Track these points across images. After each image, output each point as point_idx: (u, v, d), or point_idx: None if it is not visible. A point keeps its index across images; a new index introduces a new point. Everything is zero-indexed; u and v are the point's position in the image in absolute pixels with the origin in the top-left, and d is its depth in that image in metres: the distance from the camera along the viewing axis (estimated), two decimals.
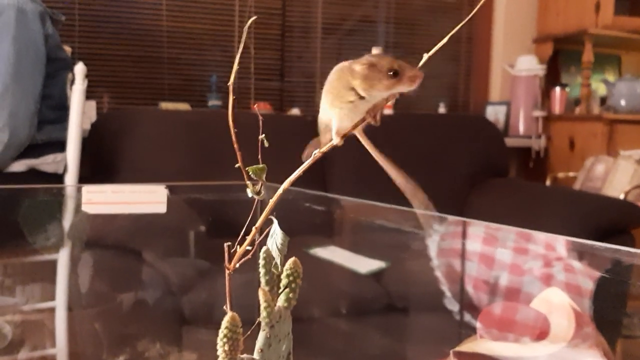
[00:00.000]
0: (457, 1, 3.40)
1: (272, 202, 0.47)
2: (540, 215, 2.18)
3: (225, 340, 0.45)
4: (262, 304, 0.49)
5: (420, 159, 2.55)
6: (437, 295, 1.59)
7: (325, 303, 1.63)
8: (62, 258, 1.57)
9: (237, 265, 0.50)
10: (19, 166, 1.85)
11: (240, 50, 0.43)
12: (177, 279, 1.64)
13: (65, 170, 1.92)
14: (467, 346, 1.02)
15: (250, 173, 0.48)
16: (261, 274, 0.51)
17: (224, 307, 0.50)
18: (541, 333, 1.13)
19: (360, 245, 1.86)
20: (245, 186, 0.50)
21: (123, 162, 2.20)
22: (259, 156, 0.49)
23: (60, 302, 1.49)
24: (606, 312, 1.27)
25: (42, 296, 1.52)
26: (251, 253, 0.49)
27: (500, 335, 1.18)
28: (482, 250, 1.59)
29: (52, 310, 1.47)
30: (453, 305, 1.60)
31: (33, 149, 1.87)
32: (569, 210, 2.15)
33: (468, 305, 1.57)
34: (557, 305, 1.19)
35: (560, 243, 1.51)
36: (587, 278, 1.41)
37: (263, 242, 0.50)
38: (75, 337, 1.37)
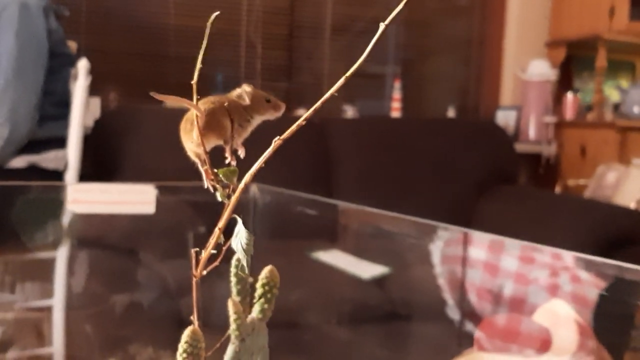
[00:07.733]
0: (469, 3, 3.36)
1: (233, 199, 0.45)
2: (549, 223, 2.14)
3: (184, 355, 0.42)
4: (232, 316, 0.46)
5: (429, 164, 2.51)
6: (439, 303, 1.56)
7: (325, 308, 1.60)
8: (61, 257, 1.55)
9: (205, 272, 0.47)
10: (19, 162, 1.83)
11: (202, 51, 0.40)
12: (175, 281, 1.61)
13: (66, 167, 1.90)
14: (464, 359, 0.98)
15: (220, 176, 0.46)
16: (232, 283, 0.48)
17: (191, 317, 0.48)
18: (543, 345, 1.10)
19: (363, 250, 1.83)
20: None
21: (126, 161, 2.17)
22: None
23: (58, 300, 1.47)
24: (613, 324, 1.23)
25: (38, 294, 1.51)
26: (219, 259, 0.47)
27: (501, 346, 1.15)
28: (487, 258, 1.55)
29: (47, 309, 1.45)
30: (456, 314, 1.56)
31: (34, 145, 1.85)
32: (579, 219, 2.12)
33: (471, 314, 1.53)
34: (561, 317, 1.16)
35: (568, 256, 1.47)
36: (594, 289, 1.38)
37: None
38: (66, 337, 1.34)
